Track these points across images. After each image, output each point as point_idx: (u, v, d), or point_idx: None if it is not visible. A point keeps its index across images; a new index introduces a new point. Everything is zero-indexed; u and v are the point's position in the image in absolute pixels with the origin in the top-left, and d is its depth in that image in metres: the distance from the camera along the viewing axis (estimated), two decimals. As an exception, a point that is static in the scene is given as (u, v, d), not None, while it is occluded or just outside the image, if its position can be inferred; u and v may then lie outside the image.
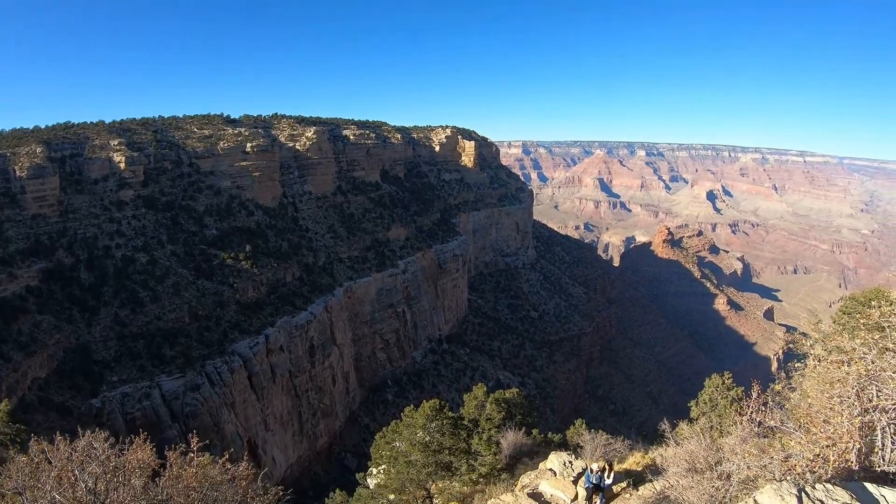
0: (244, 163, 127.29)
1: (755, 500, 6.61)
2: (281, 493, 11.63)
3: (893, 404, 9.43)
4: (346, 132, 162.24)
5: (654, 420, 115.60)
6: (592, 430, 35.73)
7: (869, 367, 9.76)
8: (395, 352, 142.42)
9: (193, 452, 10.78)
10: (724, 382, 36.83)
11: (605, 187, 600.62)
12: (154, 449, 11.07)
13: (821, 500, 6.32)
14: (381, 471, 33.99)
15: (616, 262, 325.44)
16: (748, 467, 11.38)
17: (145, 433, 11.66)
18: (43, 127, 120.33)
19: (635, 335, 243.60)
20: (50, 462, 9.86)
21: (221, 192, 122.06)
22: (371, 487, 36.15)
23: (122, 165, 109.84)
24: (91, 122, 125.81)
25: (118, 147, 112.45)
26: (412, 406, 32.70)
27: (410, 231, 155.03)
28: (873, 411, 9.51)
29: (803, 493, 6.43)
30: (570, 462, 26.47)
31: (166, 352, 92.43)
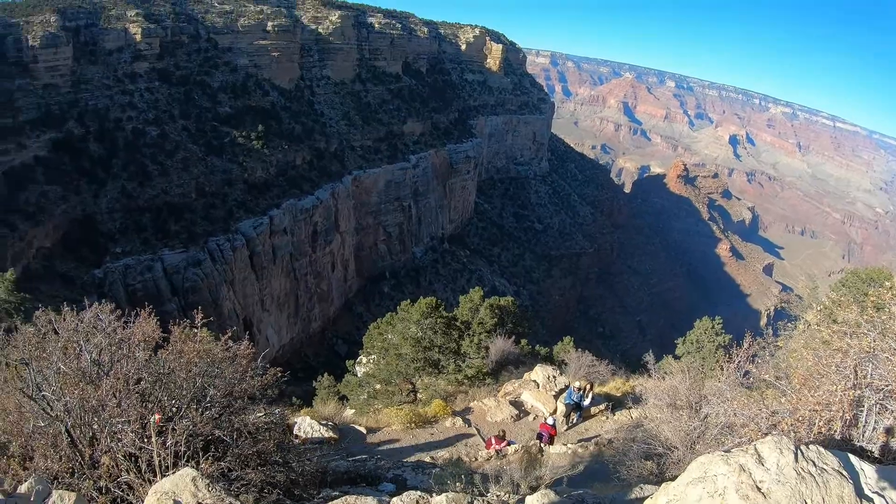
0: (264, 42, 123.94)
1: (756, 448, 6.56)
2: (279, 373, 11.43)
3: (885, 385, 9.49)
4: (371, 19, 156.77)
5: (639, 349, 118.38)
6: (579, 350, 36.56)
7: (872, 345, 9.72)
8: (397, 245, 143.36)
9: (197, 328, 10.76)
10: (713, 327, 37.21)
11: (628, 111, 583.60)
12: (158, 322, 11.03)
13: (812, 461, 6.27)
14: (371, 360, 34.56)
15: (627, 189, 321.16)
16: (734, 414, 11.41)
17: (150, 306, 11.54)
18: None
19: (634, 263, 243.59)
20: (56, 332, 9.86)
21: (238, 70, 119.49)
22: (359, 375, 36.85)
23: (138, 37, 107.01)
24: None
25: (134, 18, 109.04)
26: (409, 301, 33.01)
27: (426, 127, 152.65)
28: (865, 388, 9.57)
29: (798, 451, 6.38)
30: (554, 377, 26.99)
31: (171, 226, 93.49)
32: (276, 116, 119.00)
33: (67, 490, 7.21)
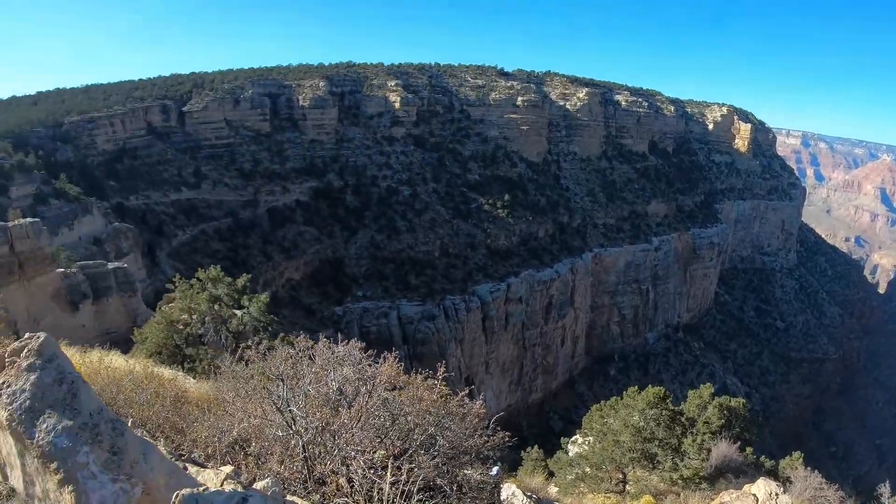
0: (514, 115, 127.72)
1: None
2: (507, 437, 11.76)
3: None
4: (618, 97, 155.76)
5: (874, 477, 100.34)
6: (808, 468, 31.76)
7: None
8: (630, 328, 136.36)
9: (437, 379, 11.11)
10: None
11: (885, 199, 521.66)
12: (401, 367, 11.41)
13: None
14: (587, 442, 32.84)
15: (882, 289, 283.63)
16: None
17: (395, 351, 11.93)
18: (326, 64, 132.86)
19: (882, 376, 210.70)
20: (311, 358, 10.54)
21: (488, 141, 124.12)
22: (570, 454, 35.03)
23: (397, 105, 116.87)
24: (370, 63, 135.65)
25: (394, 88, 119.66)
26: (636, 388, 30.07)
27: (670, 209, 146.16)
28: None
29: None
30: (777, 494, 22.63)
31: (411, 279, 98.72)
32: (523, 187, 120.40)
33: (299, 498, 7.87)
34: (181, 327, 23.19)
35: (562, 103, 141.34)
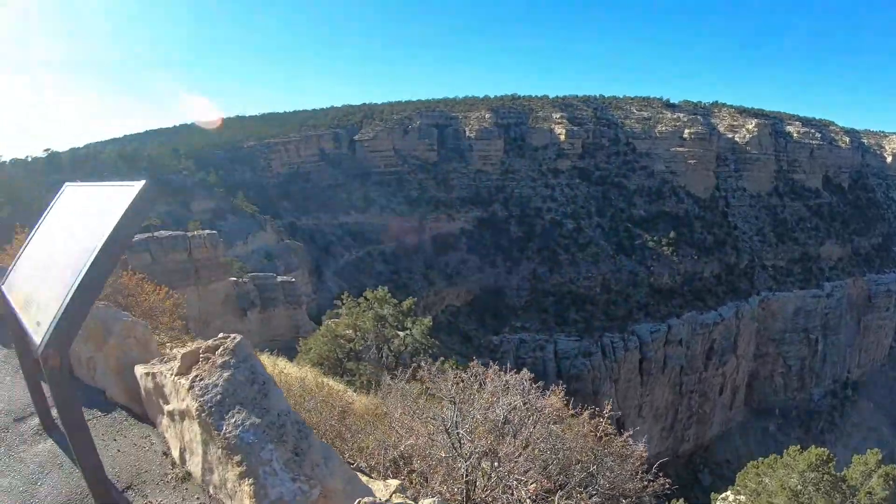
0: (680, 149, 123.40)
1: None
2: (667, 485, 10.77)
3: None
4: (788, 128, 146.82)
5: None
6: None
7: None
8: (794, 381, 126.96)
9: (602, 417, 10.86)
10: None
11: None
12: (567, 401, 11.37)
13: None
14: (738, 501, 30.45)
15: None
16: None
17: (562, 383, 12.11)
18: (492, 97, 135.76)
19: None
20: (482, 385, 10.46)
21: (654, 175, 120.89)
22: None
23: (562, 137, 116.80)
24: (535, 96, 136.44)
25: (559, 120, 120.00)
26: (798, 447, 27.60)
27: (845, 252, 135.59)
28: None
29: None
30: None
31: (570, 314, 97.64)
32: (689, 224, 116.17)
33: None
34: (345, 342, 24.01)
35: (730, 135, 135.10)
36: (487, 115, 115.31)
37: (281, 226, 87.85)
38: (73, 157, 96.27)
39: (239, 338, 3.79)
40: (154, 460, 3.99)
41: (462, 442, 9.34)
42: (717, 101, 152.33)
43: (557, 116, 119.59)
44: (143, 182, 3.22)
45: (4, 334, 6.61)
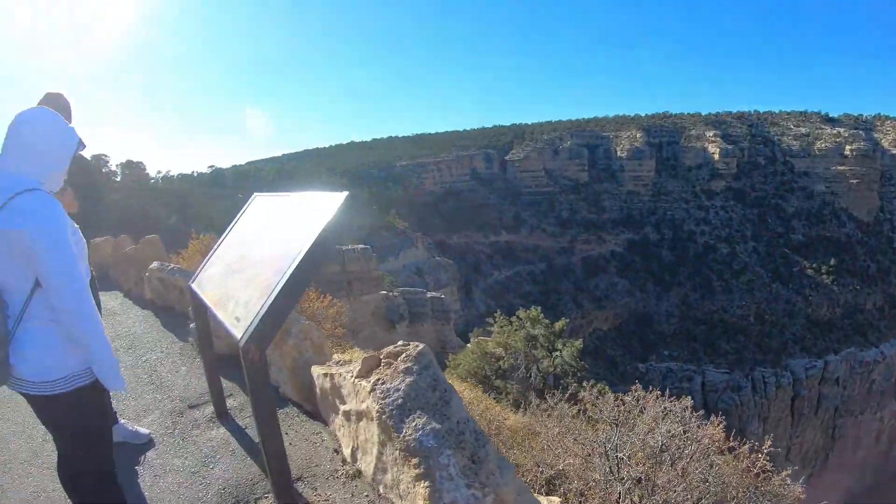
0: (841, 167, 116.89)
1: None
2: None
3: None
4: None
5: None
6: None
7: None
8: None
9: (761, 452, 9.41)
10: None
11: None
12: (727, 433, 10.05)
13: None
14: None
15: None
16: None
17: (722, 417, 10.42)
18: (643, 115, 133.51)
19: None
20: (642, 411, 9.74)
21: (813, 196, 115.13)
22: None
23: (716, 157, 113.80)
24: (687, 113, 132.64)
25: (713, 139, 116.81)
26: None
27: None
28: None
29: None
30: None
31: (721, 344, 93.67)
32: (851, 250, 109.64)
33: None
34: (494, 360, 24.10)
35: (894, 151, 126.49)
36: (638, 135, 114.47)
37: (432, 243, 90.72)
38: (235, 174, 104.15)
39: (422, 345, 4.00)
40: (325, 456, 4.27)
41: (620, 466, 9.10)
42: (879, 114, 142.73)
43: (711, 134, 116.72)
44: (345, 193, 3.54)
45: (181, 331, 7.54)
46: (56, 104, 4.39)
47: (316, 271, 3.39)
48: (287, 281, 3.17)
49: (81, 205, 4.87)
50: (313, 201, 3.79)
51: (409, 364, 3.65)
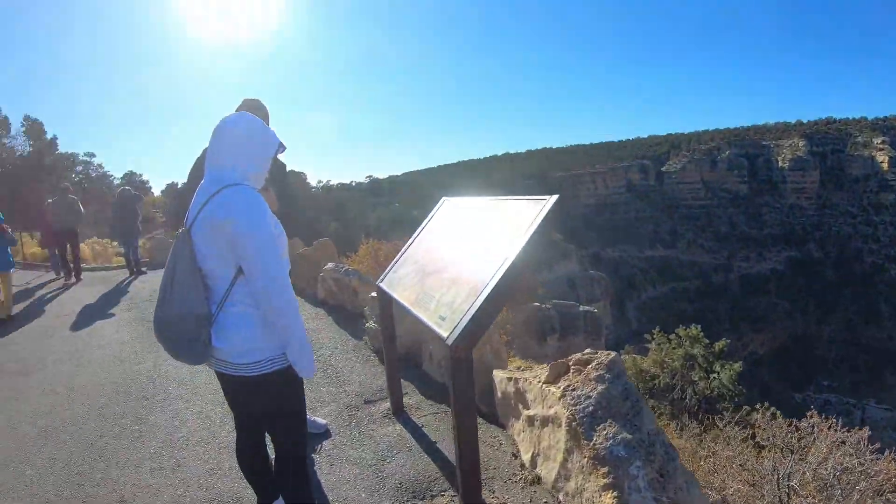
0: None
1: None
2: None
3: None
4: None
5: None
6: None
7: None
8: None
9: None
10: None
11: None
12: None
13: None
14: None
15: None
16: None
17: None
18: (805, 122, 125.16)
19: None
20: (815, 439, 8.40)
21: None
22: None
23: (885, 166, 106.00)
24: (853, 118, 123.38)
25: (881, 146, 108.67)
26: None
27: None
28: None
29: None
30: None
31: (886, 377, 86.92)
32: None
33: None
34: (649, 378, 25.02)
35: None
36: (801, 143, 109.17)
37: (585, 256, 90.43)
38: (392, 183, 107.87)
39: (613, 354, 3.97)
40: (503, 459, 4.24)
41: (791, 496, 8.31)
42: None
43: (879, 142, 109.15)
44: (555, 196, 3.49)
45: (354, 330, 7.69)
46: (255, 109, 4.85)
47: (521, 273, 3.36)
48: (498, 283, 3.21)
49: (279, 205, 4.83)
50: (514, 205, 3.87)
51: (601, 372, 3.70)
